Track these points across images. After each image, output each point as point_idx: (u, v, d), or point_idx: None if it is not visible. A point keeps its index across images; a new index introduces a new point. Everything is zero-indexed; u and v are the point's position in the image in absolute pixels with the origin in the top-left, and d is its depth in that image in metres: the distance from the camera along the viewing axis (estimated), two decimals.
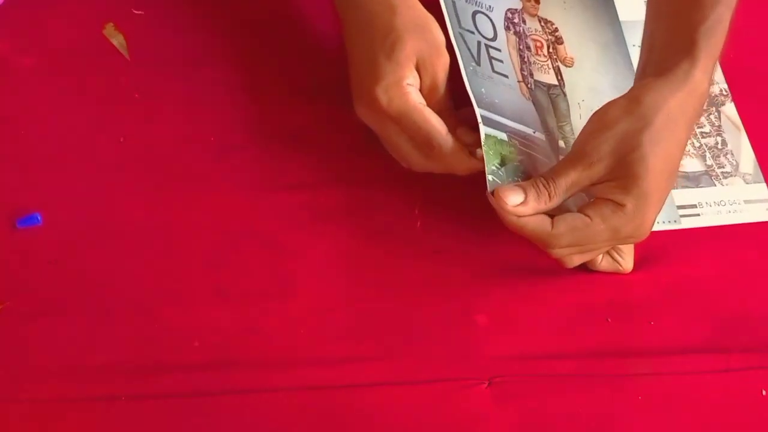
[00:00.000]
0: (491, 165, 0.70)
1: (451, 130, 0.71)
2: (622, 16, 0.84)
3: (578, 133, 0.71)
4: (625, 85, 0.73)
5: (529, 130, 0.74)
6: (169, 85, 0.78)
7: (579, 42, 0.82)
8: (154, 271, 0.71)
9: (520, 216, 0.68)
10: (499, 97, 0.73)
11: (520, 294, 0.72)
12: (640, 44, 0.78)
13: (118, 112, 0.77)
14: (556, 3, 0.82)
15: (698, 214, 0.76)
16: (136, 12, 0.81)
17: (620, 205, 0.67)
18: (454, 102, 0.74)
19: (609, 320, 0.72)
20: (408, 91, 0.70)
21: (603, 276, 0.73)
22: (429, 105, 0.71)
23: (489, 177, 0.69)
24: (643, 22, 0.75)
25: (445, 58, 0.72)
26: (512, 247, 0.73)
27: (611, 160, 0.67)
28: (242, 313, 0.70)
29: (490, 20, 0.76)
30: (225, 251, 0.72)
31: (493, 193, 0.68)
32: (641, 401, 0.69)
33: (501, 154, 0.71)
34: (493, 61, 0.74)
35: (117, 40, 0.80)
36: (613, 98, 0.69)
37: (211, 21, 0.81)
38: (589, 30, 0.83)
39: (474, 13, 0.74)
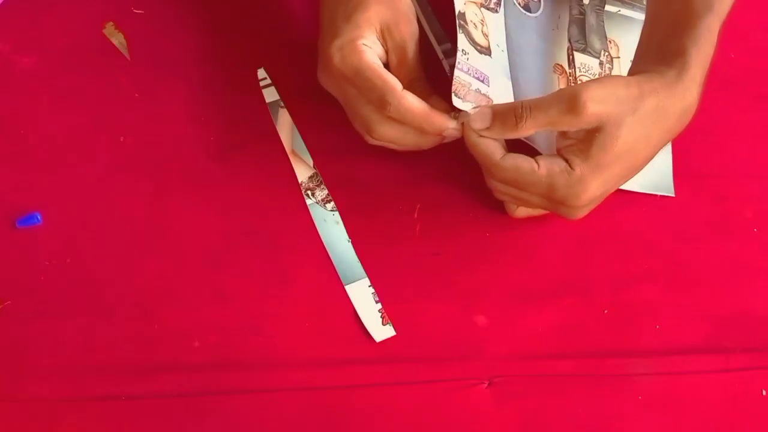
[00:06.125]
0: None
1: (423, 99, 0.68)
2: None
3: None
4: None
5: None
6: (169, 85, 0.78)
7: None
8: (154, 271, 0.71)
9: (481, 137, 0.67)
10: None
11: (520, 294, 0.72)
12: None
13: (118, 112, 0.77)
14: None
15: None
16: (136, 11, 0.81)
17: (571, 168, 0.66)
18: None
19: (609, 320, 0.72)
20: (362, 49, 0.68)
21: (603, 276, 0.73)
22: (399, 77, 0.68)
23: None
24: None
25: (414, 28, 0.70)
26: (512, 249, 0.73)
27: (597, 121, 0.65)
28: (242, 313, 0.70)
29: None
30: (225, 251, 0.72)
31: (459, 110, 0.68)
32: (641, 401, 0.69)
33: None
34: None
35: (117, 40, 0.80)
36: None
37: (211, 21, 0.81)
38: None
39: None
